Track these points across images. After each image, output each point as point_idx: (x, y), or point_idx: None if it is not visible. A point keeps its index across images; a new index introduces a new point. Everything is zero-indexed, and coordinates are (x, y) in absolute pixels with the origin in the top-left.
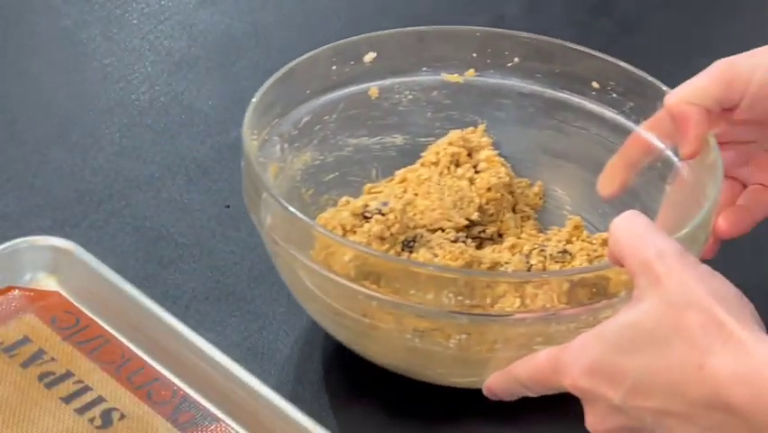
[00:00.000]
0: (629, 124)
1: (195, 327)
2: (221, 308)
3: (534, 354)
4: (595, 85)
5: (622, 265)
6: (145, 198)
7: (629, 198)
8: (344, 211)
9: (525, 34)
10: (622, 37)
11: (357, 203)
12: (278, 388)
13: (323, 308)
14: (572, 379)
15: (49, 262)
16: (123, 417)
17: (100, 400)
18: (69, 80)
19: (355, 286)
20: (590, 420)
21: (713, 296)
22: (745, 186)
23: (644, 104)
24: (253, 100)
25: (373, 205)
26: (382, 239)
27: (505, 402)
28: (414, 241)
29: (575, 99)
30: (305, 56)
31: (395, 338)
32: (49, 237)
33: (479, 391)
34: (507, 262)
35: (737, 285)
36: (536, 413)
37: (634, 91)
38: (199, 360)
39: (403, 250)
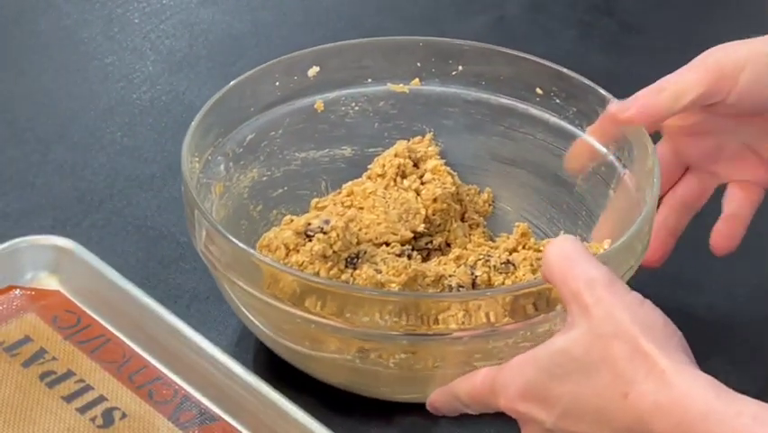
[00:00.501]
0: (573, 129)
1: (196, 327)
2: (222, 307)
3: (473, 373)
4: (539, 91)
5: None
6: (146, 198)
7: (575, 202)
8: (287, 230)
9: (467, 42)
10: (623, 36)
11: (300, 222)
12: (279, 387)
13: (265, 332)
14: (507, 400)
15: (50, 262)
16: (124, 416)
17: (101, 399)
18: (70, 79)
19: (293, 310)
20: None
21: (639, 326)
22: (715, 179)
23: (586, 109)
24: (193, 123)
25: (315, 223)
26: (325, 257)
27: None
28: (357, 257)
29: (520, 105)
30: (246, 74)
31: (336, 359)
32: (50, 236)
33: None
34: (451, 275)
35: (739, 285)
36: None
37: (575, 97)
38: (201, 359)
39: (347, 267)
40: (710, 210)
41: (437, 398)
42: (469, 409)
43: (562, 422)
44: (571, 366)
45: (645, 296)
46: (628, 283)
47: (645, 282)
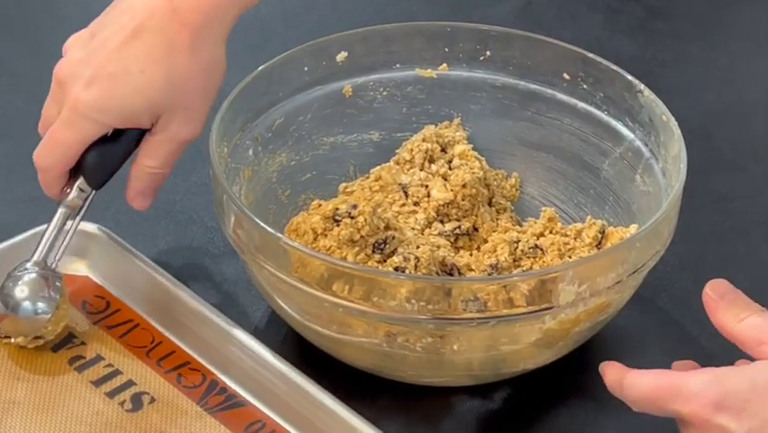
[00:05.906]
0: (600, 114)
1: (224, 311)
2: (250, 291)
3: (649, 372)
4: (566, 76)
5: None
6: (175, 182)
7: (602, 187)
8: (315, 215)
9: (495, 28)
10: (650, 21)
11: (327, 206)
12: (307, 371)
13: (293, 316)
14: (699, 406)
15: (78, 247)
16: (153, 400)
17: (130, 383)
18: None
19: (321, 294)
20: None
21: None
22: None
23: (612, 94)
24: (221, 108)
25: (343, 208)
26: (353, 242)
27: None
28: (385, 243)
29: (548, 91)
30: (274, 59)
31: (364, 343)
32: None
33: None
34: (478, 261)
35: (763, 269)
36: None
37: (602, 82)
38: (229, 344)
39: (374, 252)
40: (733, 196)
41: (611, 371)
42: (632, 405)
43: None
44: None
45: (668, 279)
46: (654, 268)
47: (669, 267)
